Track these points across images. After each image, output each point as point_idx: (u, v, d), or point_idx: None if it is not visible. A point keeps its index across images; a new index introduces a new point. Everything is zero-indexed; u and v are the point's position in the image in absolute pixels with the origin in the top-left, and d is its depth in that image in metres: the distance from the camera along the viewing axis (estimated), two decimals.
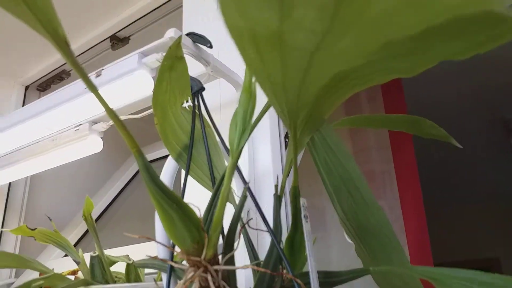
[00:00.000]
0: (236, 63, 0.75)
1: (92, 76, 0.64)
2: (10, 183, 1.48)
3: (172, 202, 0.36)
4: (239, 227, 0.43)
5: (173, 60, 0.50)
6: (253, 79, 0.43)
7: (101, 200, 1.81)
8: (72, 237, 1.61)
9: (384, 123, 0.57)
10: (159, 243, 0.41)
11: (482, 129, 2.54)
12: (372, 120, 0.57)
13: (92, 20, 1.31)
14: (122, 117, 0.80)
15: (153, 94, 0.49)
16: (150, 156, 1.90)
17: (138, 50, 0.59)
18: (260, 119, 0.49)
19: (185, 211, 0.36)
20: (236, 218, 0.42)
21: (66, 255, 1.53)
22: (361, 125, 0.56)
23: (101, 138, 0.86)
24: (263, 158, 0.68)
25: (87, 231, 1.70)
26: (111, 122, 0.82)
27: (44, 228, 0.58)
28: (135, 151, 0.36)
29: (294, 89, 0.33)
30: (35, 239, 0.58)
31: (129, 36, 1.35)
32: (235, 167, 0.39)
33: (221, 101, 0.80)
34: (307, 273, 0.42)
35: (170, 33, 0.55)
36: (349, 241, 0.45)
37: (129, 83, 0.60)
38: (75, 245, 1.63)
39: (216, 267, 0.38)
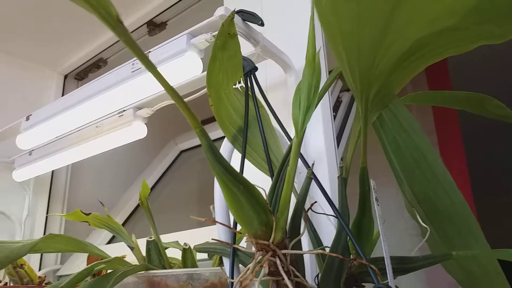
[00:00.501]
0: (282, 44, 0.72)
1: (138, 60, 0.63)
2: (52, 172, 1.54)
3: (239, 183, 0.35)
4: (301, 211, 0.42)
5: (225, 38, 0.48)
6: (317, 50, 0.41)
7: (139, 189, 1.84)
8: None
9: (449, 101, 0.53)
10: (223, 224, 0.40)
11: None
12: (437, 96, 0.53)
13: (128, 6, 1.32)
14: (167, 102, 0.80)
15: (207, 74, 0.47)
16: (192, 142, 1.91)
17: (186, 30, 0.58)
18: (324, 94, 0.47)
19: (252, 193, 0.35)
20: (301, 201, 0.40)
21: (109, 243, 1.58)
22: (425, 102, 0.53)
23: (145, 124, 0.87)
24: (315, 137, 0.66)
25: (127, 219, 1.74)
26: (156, 107, 0.83)
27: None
28: (198, 131, 0.35)
29: (370, 52, 0.31)
30: (89, 224, 0.59)
31: (166, 21, 1.35)
32: (300, 147, 0.37)
33: (267, 83, 0.78)
34: (378, 259, 0.41)
35: (220, 11, 0.53)
36: (424, 225, 0.42)
37: (177, 65, 0.59)
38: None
39: (284, 251, 0.37)
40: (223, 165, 0.35)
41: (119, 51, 1.53)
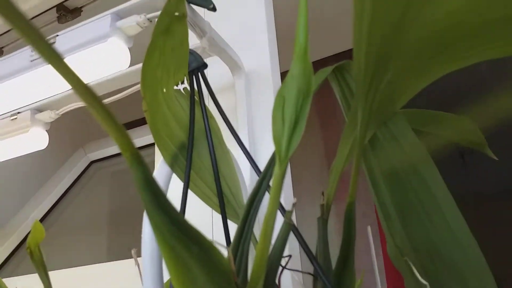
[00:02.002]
0: (228, 38, 0.61)
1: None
2: None
3: (191, 243, 0.23)
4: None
5: (171, 19, 0.36)
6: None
7: (40, 205, 1.60)
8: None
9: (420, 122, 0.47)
10: None
11: None
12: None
13: None
14: (78, 104, 0.64)
15: (143, 67, 0.35)
16: (105, 152, 1.71)
17: (110, 10, 0.44)
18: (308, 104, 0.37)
19: (211, 257, 0.23)
20: (278, 259, 0.29)
21: None
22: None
23: (46, 130, 0.69)
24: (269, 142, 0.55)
25: (21, 243, 1.48)
26: (62, 110, 0.66)
27: None
28: (129, 156, 0.23)
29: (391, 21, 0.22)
30: None
31: (81, 7, 1.16)
32: (283, 182, 0.26)
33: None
34: None
35: None
36: (423, 281, 0.34)
37: (96, 55, 0.45)
38: (3, 264, 1.40)
39: None
40: (167, 212, 0.23)
41: (16, 40, 1.29)
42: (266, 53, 0.62)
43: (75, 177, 1.76)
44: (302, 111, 0.28)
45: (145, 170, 0.22)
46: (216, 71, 0.68)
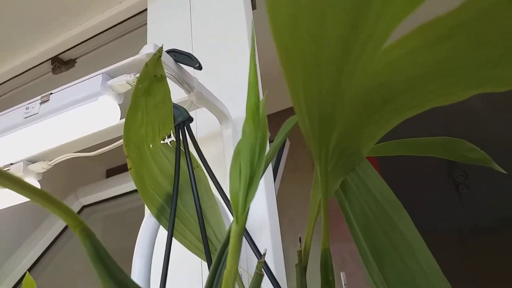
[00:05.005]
0: (216, 89, 0.65)
1: (35, 102, 0.51)
2: None
3: None
4: None
5: (151, 81, 0.40)
6: (261, 98, 0.33)
7: (30, 252, 1.59)
8: None
9: (416, 149, 0.49)
10: None
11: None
12: (402, 145, 0.49)
13: (30, 37, 1.17)
14: (70, 155, 0.67)
15: (125, 127, 0.38)
16: (96, 196, 1.71)
17: (102, 69, 0.47)
18: (273, 156, 0.40)
19: None
20: None
21: None
22: (391, 153, 0.48)
23: (38, 181, 0.72)
24: (255, 206, 0.57)
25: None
26: (55, 161, 0.68)
27: None
28: (78, 231, 0.25)
29: (333, 76, 0.24)
30: None
31: (75, 58, 1.21)
32: (242, 238, 0.28)
33: (197, 136, 0.70)
34: None
35: (148, 49, 0.45)
36: None
37: (88, 111, 0.48)
38: None
39: None
40: (119, 281, 0.25)
41: (14, 88, 1.34)
42: None
43: (64, 225, 1.75)
44: (258, 166, 0.30)
45: (95, 242, 0.25)
46: (205, 119, 0.72)
